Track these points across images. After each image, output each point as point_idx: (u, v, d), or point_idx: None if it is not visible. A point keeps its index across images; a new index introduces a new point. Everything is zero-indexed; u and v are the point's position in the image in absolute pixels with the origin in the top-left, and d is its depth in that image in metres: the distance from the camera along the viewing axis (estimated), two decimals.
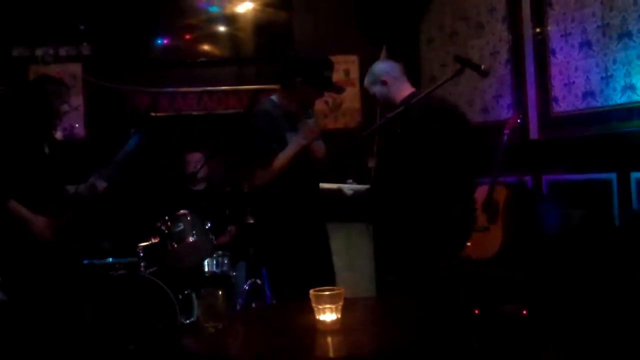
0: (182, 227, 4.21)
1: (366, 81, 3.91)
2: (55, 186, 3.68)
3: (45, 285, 3.52)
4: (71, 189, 3.79)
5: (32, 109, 3.68)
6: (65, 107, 3.76)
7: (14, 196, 3.49)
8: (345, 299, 2.36)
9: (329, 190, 4.50)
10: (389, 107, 3.74)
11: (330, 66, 3.52)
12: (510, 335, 3.43)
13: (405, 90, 3.77)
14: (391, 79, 3.81)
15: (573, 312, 3.46)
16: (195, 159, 5.02)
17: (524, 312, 3.46)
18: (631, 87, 3.88)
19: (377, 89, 3.82)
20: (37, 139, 3.68)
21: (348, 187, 4.74)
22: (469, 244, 4.28)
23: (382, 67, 3.88)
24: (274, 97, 3.52)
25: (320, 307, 2.34)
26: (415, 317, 2.55)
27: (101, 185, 3.81)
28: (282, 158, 3.35)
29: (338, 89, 3.55)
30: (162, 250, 4.19)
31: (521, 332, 3.44)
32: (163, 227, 4.19)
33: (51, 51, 5.34)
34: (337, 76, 5.81)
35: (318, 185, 3.63)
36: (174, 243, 4.17)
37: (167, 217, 4.21)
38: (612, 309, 3.35)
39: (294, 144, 3.36)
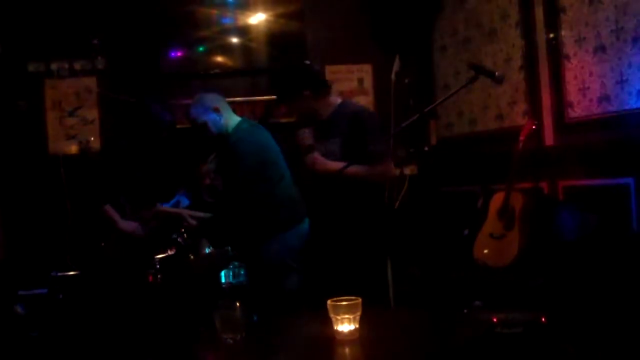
0: (198, 239, 4.23)
1: (194, 112, 4.11)
2: (148, 201, 4.18)
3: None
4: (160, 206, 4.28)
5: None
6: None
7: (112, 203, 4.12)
8: (363, 309, 2.35)
9: (169, 212, 4.32)
10: (219, 135, 4.06)
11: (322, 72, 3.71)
12: (529, 343, 3.41)
13: (234, 118, 4.11)
14: (222, 107, 4.08)
15: (592, 318, 3.43)
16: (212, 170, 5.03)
17: (543, 319, 3.43)
18: None
19: (209, 117, 4.06)
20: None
21: (189, 214, 4.30)
22: (485, 251, 4.28)
23: (212, 96, 4.13)
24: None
25: (338, 317, 2.34)
26: (434, 327, 2.54)
27: (184, 204, 4.25)
28: None
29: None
30: (178, 261, 4.20)
31: (540, 339, 3.41)
32: (179, 239, 4.21)
33: (66, 65, 5.38)
34: (351, 85, 5.86)
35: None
36: (190, 254, 4.19)
37: (182, 229, 4.22)
38: (631, 315, 3.32)
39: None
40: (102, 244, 4.17)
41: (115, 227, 4.09)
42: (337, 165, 3.51)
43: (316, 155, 3.60)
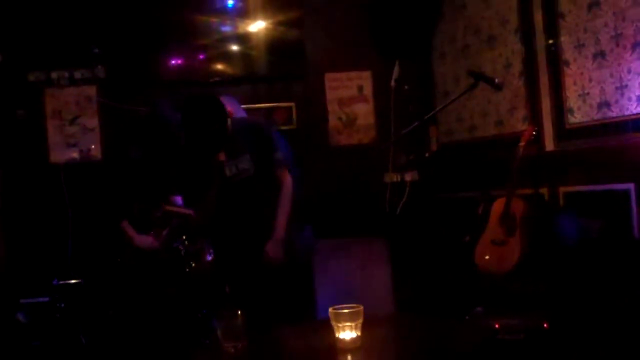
0: (199, 246, 4.23)
1: None
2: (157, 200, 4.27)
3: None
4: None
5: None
6: None
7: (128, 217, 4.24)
8: (365, 317, 2.35)
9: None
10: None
11: None
12: (531, 349, 3.41)
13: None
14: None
15: (594, 324, 3.43)
16: None
17: (545, 325, 3.43)
18: None
19: None
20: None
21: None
22: (487, 257, 4.28)
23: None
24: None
25: (339, 325, 2.33)
26: (436, 334, 2.53)
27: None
28: None
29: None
30: (180, 269, 4.20)
31: (542, 345, 3.41)
32: (181, 247, 4.21)
33: (66, 74, 5.39)
34: (351, 92, 5.87)
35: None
36: (192, 262, 4.19)
37: (184, 237, 4.23)
38: (632, 321, 3.32)
39: None
40: (119, 259, 4.21)
41: (131, 243, 4.15)
42: (279, 232, 3.60)
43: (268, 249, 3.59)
